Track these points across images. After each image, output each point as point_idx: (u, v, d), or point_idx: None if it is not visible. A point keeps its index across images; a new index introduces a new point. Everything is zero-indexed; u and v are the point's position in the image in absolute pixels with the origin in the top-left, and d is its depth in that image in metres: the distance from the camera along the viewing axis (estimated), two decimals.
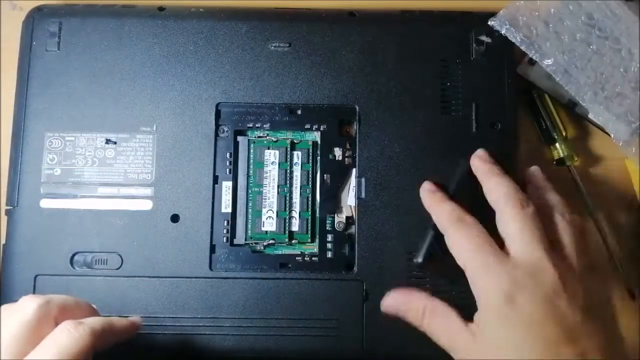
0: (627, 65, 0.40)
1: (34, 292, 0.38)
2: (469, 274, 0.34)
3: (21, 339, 0.29)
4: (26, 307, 0.30)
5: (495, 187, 0.36)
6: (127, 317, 0.35)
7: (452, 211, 0.36)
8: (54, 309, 0.31)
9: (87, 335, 0.30)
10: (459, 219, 0.36)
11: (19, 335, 0.29)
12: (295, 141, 0.41)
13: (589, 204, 0.42)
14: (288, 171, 0.40)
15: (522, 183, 0.38)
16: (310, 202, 0.40)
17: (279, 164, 0.40)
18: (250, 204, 0.40)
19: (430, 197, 0.38)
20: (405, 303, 0.36)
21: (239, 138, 0.41)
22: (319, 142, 0.41)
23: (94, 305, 0.34)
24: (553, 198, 0.37)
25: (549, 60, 0.40)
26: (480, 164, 0.38)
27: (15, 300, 0.31)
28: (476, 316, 0.34)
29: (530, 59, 0.41)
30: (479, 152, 0.39)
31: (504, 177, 0.36)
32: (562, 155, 0.42)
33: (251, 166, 0.41)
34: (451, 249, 0.35)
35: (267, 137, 0.41)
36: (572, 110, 0.42)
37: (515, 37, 0.40)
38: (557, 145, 0.42)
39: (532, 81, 0.42)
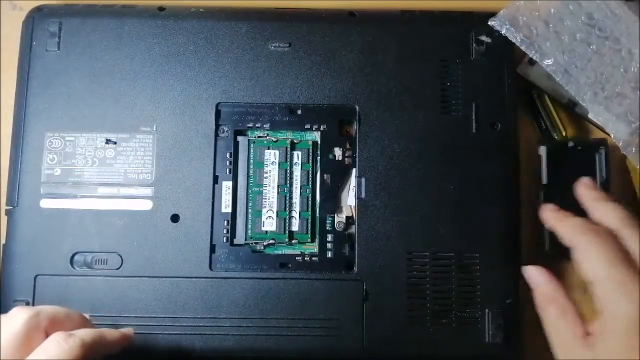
0: (627, 65, 0.40)
1: (34, 292, 0.38)
2: (599, 287, 0.32)
3: (11, 350, 0.29)
4: (16, 318, 0.30)
5: (611, 211, 0.35)
6: (119, 328, 0.35)
7: (584, 223, 0.35)
8: (44, 321, 0.30)
9: (77, 347, 0.29)
10: (591, 229, 0.34)
11: (9, 347, 0.29)
12: (295, 141, 0.41)
13: None
14: (288, 171, 0.40)
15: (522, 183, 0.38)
16: (310, 202, 0.40)
17: (279, 164, 0.40)
18: (250, 204, 0.40)
19: (555, 214, 0.37)
20: (542, 283, 0.35)
21: (239, 138, 0.41)
22: (319, 142, 0.41)
23: (86, 316, 0.34)
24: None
25: (549, 60, 0.40)
26: (586, 191, 0.37)
27: (13, 307, 0.31)
28: (597, 329, 0.32)
29: (530, 59, 0.41)
30: (585, 180, 0.37)
31: (613, 202, 0.35)
32: None
33: (251, 166, 0.41)
34: (581, 260, 0.33)
35: (267, 137, 0.41)
36: (572, 110, 0.42)
37: (516, 37, 0.40)
38: None
39: (532, 81, 0.42)
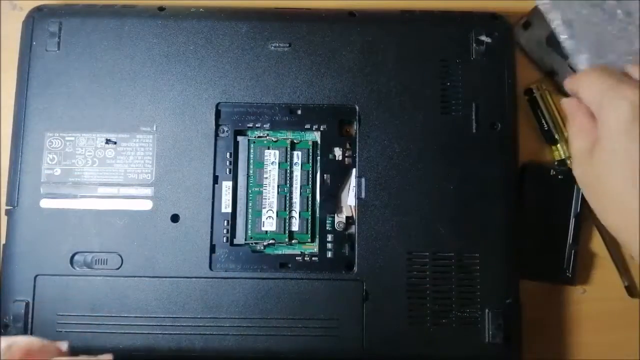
0: (631, 40, 0.40)
1: (34, 292, 0.38)
2: (594, 101, 0.35)
3: None
4: None
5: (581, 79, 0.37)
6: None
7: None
8: (16, 353, 0.30)
9: None
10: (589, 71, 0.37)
11: None
12: (295, 141, 0.41)
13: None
14: (288, 171, 0.40)
15: (522, 182, 0.38)
16: (310, 202, 0.40)
17: (279, 164, 0.40)
18: (250, 204, 0.40)
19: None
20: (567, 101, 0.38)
21: (239, 138, 0.41)
22: (319, 142, 0.41)
23: (64, 345, 0.33)
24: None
25: (556, 14, 0.40)
26: (567, 83, 0.39)
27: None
28: (596, 140, 0.35)
29: (525, 23, 0.41)
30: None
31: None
32: (563, 156, 0.42)
33: (251, 166, 0.41)
34: (579, 92, 0.37)
35: (267, 137, 0.41)
36: (553, 79, 0.43)
37: None
38: (559, 146, 0.42)
39: (522, 45, 0.43)
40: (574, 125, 0.38)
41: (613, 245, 0.42)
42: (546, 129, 0.42)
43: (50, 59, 0.40)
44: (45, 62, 0.40)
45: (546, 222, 0.41)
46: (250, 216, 0.40)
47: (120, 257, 0.39)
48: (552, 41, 0.42)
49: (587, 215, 0.41)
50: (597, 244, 0.43)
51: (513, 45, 0.41)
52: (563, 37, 0.40)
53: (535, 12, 0.42)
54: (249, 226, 0.40)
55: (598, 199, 0.36)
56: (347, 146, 0.41)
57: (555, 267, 0.41)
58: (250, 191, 0.40)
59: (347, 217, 0.40)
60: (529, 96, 0.43)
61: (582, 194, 0.41)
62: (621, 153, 0.34)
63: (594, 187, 0.36)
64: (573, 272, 0.41)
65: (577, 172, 0.38)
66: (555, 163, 0.42)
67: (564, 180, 0.41)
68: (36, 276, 0.38)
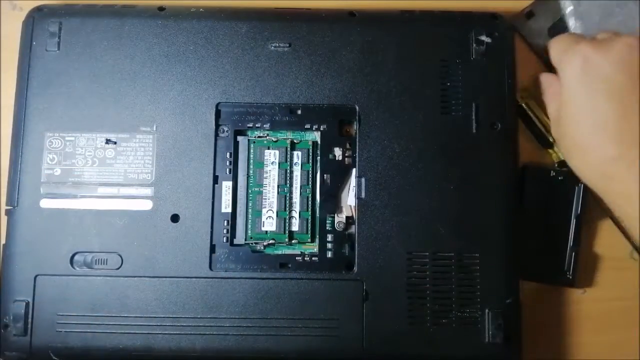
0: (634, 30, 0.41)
1: (34, 292, 0.38)
2: (557, 64, 0.39)
3: None
4: None
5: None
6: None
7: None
8: None
9: None
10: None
11: None
12: (295, 141, 0.41)
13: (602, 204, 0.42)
14: (288, 171, 0.40)
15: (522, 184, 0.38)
16: (310, 202, 0.40)
17: (279, 164, 0.40)
18: (250, 204, 0.40)
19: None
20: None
21: (239, 138, 0.41)
22: (319, 142, 0.41)
23: None
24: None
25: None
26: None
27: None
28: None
29: (528, 13, 0.42)
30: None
31: None
32: (562, 157, 0.42)
33: (251, 166, 0.41)
34: (550, 56, 0.40)
35: (267, 137, 0.41)
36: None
37: None
38: (555, 148, 0.42)
39: (523, 36, 0.43)
40: (547, 94, 0.41)
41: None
42: (539, 133, 0.42)
43: (50, 59, 0.40)
44: (45, 62, 0.40)
45: (547, 223, 0.41)
46: (250, 216, 0.40)
47: (120, 257, 0.39)
48: (555, 32, 0.42)
49: (587, 217, 0.41)
50: (597, 245, 0.43)
51: (513, 45, 0.41)
52: (572, 24, 0.40)
53: (539, 1, 0.42)
54: (249, 226, 0.40)
55: (568, 150, 0.39)
56: (347, 146, 0.41)
57: (556, 268, 0.41)
58: (250, 191, 0.40)
59: (347, 217, 0.40)
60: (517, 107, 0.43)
61: (583, 195, 0.41)
62: (578, 102, 0.37)
63: (564, 141, 0.39)
64: (574, 274, 0.41)
65: (554, 134, 0.41)
66: (556, 165, 0.42)
67: (564, 181, 0.41)
68: (36, 276, 0.38)
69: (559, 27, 0.42)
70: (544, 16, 0.42)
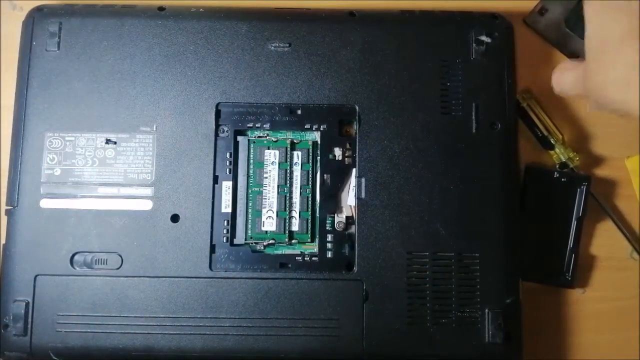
0: None
1: (34, 292, 0.38)
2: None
3: None
4: None
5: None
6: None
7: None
8: None
9: None
10: None
11: None
12: (295, 141, 0.41)
13: (603, 205, 0.42)
14: (288, 171, 0.40)
15: (522, 184, 0.38)
16: (310, 202, 0.40)
17: (279, 164, 0.40)
18: (250, 204, 0.40)
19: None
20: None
21: (239, 138, 0.41)
22: (319, 142, 0.41)
23: None
24: None
25: None
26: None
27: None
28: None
29: (541, 9, 0.42)
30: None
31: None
32: (563, 159, 0.42)
33: (251, 166, 0.41)
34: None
35: (267, 137, 0.41)
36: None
37: None
38: (557, 150, 0.42)
39: (540, 32, 0.43)
40: (563, 73, 0.37)
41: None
42: (540, 135, 0.42)
43: (50, 59, 0.40)
44: (45, 62, 0.40)
45: (547, 224, 0.41)
46: (250, 216, 0.40)
47: (120, 257, 0.39)
48: (570, 23, 0.42)
49: (588, 217, 0.41)
50: (597, 245, 0.43)
51: (513, 45, 0.41)
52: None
53: None
54: (249, 226, 0.40)
55: (591, 68, 0.34)
56: (347, 146, 0.41)
57: (555, 270, 0.41)
58: (250, 191, 0.40)
59: (347, 217, 0.40)
60: (518, 108, 0.43)
61: (585, 197, 0.41)
62: (602, 20, 0.33)
63: (590, 64, 0.34)
64: (572, 276, 0.41)
65: (588, 92, 0.35)
66: (557, 166, 0.42)
67: (566, 183, 0.41)
68: (36, 276, 0.38)
69: (575, 16, 0.42)
70: (557, 9, 0.43)
